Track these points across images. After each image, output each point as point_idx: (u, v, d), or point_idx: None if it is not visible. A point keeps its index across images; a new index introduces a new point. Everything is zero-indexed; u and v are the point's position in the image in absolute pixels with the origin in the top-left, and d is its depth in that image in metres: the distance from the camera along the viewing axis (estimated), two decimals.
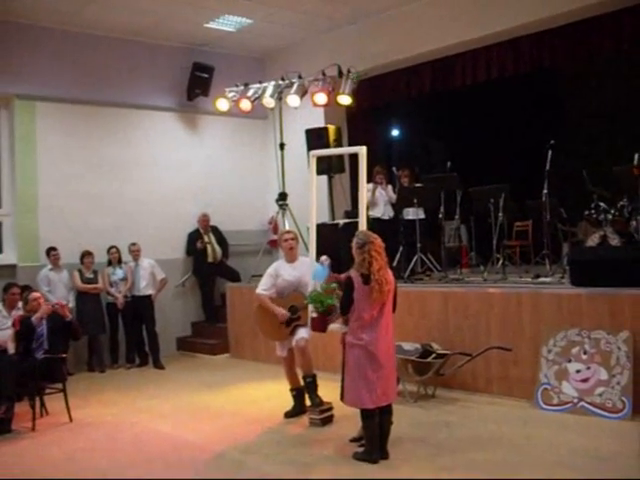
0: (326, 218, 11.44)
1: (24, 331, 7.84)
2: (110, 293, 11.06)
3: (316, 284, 6.87)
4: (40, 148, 11.12)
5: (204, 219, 12.43)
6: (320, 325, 6.56)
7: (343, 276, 6.36)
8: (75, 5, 10.56)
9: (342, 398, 6.20)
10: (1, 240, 11.08)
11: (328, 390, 7.38)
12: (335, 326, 6.42)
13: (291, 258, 7.53)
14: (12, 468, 6.27)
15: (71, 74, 11.38)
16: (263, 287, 7.54)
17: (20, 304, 8.96)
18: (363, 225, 7.02)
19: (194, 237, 12.36)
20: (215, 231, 12.52)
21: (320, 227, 9.99)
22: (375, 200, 11.00)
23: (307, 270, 7.11)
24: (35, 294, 8.25)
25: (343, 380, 6.18)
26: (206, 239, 12.32)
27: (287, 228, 10.77)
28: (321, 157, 10.13)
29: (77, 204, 11.39)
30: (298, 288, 7.38)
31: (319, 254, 7.30)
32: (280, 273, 7.53)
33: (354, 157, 7.73)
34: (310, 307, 6.69)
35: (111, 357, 11.17)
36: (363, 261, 5.83)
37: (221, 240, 12.52)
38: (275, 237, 12.15)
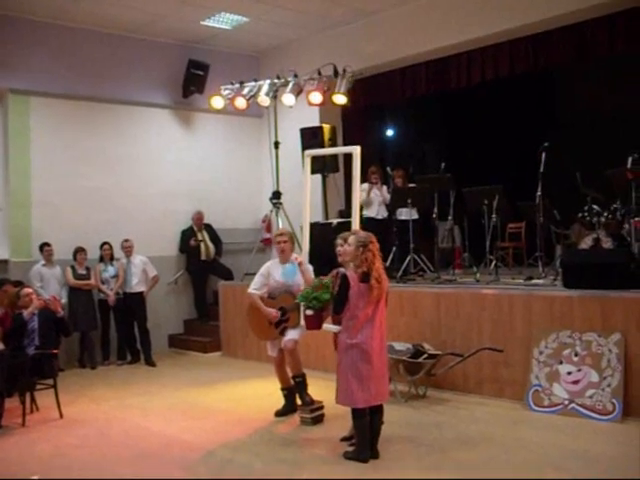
0: (320, 217, 11.44)
1: (16, 327, 7.81)
2: (102, 290, 11.04)
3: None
4: (34, 143, 11.11)
5: (198, 216, 12.42)
6: (315, 322, 6.52)
7: (334, 274, 6.37)
8: (70, 0, 10.53)
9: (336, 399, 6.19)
10: None
11: (319, 389, 7.40)
12: (329, 326, 6.40)
13: (283, 259, 7.52)
14: (1, 463, 6.25)
15: (66, 69, 11.37)
16: (254, 286, 7.54)
17: None
18: (356, 225, 7.02)
19: (188, 234, 12.35)
20: (209, 229, 12.51)
21: (313, 226, 10.02)
22: (370, 200, 11.00)
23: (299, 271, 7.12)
24: (27, 290, 8.23)
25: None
26: (200, 237, 12.33)
27: (281, 227, 10.76)
28: (315, 156, 10.14)
29: (70, 200, 11.38)
30: (289, 289, 7.38)
31: (312, 253, 7.32)
32: (272, 273, 7.53)
33: (348, 156, 7.74)
34: (302, 305, 6.67)
35: (102, 353, 11.15)
36: (365, 260, 5.84)
37: (215, 238, 12.51)
38: (268, 236, 12.19)
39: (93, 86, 11.66)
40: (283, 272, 7.33)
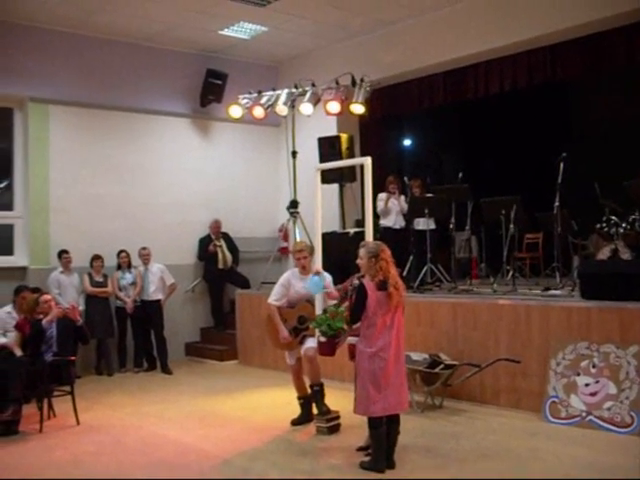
0: (337, 227, 11.45)
1: (34, 334, 7.85)
2: (119, 297, 11.09)
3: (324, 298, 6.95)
4: (53, 151, 11.18)
5: (216, 225, 12.45)
6: (328, 349, 6.55)
7: (348, 283, 6.38)
8: (88, 11, 10.63)
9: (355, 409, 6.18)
10: (12, 242, 11.12)
11: (336, 399, 7.39)
12: (349, 338, 6.40)
13: (304, 273, 7.51)
14: (18, 469, 6.27)
15: (85, 78, 11.44)
16: (274, 297, 7.54)
17: (9, 307, 9.03)
18: (370, 235, 7.03)
19: (206, 242, 12.37)
20: (226, 237, 12.52)
21: (331, 236, 10.07)
22: (388, 209, 10.99)
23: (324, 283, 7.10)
24: (46, 296, 8.25)
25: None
26: (218, 244, 12.33)
27: (298, 240, 10.75)
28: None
29: (89, 207, 11.44)
30: (309, 299, 7.38)
31: (329, 263, 7.32)
32: (292, 284, 7.52)
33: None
34: (317, 331, 6.67)
35: (119, 361, 11.19)
36: (380, 269, 5.86)
37: (232, 247, 12.52)
38: (285, 245, 12.20)
39: (112, 95, 11.74)
40: (309, 284, 7.09)
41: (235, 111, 11.77)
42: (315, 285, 6.91)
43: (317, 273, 6.98)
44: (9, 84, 10.83)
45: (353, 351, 6.16)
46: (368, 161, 7.19)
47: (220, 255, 12.27)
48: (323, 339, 6.50)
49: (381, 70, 11.41)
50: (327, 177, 10.54)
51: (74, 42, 11.37)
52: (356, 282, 6.21)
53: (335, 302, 6.80)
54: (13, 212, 11.16)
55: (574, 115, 14.87)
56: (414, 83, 11.99)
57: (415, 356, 8.01)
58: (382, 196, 10.92)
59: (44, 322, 7.87)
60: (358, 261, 6.06)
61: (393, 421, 5.97)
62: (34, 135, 11.10)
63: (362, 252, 6.00)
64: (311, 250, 7.64)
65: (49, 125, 11.20)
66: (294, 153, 11.84)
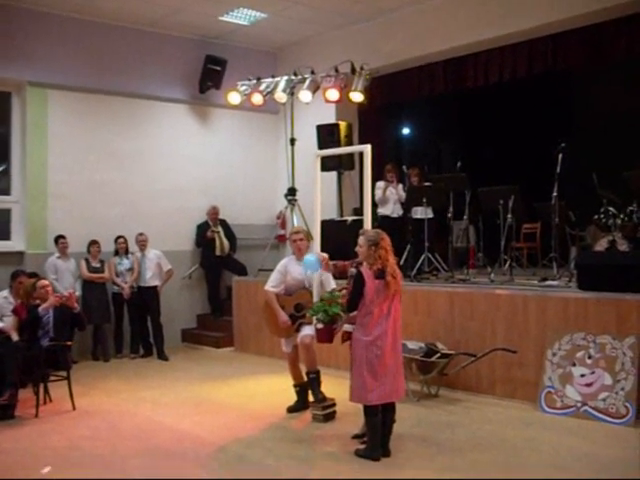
0: (335, 214, 11.44)
1: (31, 320, 7.84)
2: (116, 283, 11.09)
3: (322, 282, 6.93)
4: (51, 136, 11.15)
5: (214, 211, 12.43)
6: (326, 336, 6.56)
7: (347, 265, 6.38)
8: None
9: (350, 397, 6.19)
10: (10, 227, 11.11)
11: (331, 386, 7.41)
12: (344, 326, 6.40)
13: (300, 257, 7.51)
14: (13, 454, 6.29)
15: (84, 62, 11.41)
16: (272, 283, 7.56)
17: (6, 291, 9.02)
18: (368, 223, 7.01)
19: (203, 229, 12.36)
20: (224, 224, 12.51)
21: (328, 223, 10.07)
22: (386, 198, 10.97)
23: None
24: (44, 281, 8.23)
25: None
26: (215, 230, 12.32)
27: (296, 225, 10.77)
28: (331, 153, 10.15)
29: (87, 193, 11.42)
30: (306, 286, 7.39)
31: (327, 250, 7.30)
32: (289, 270, 7.54)
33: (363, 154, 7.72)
34: (314, 319, 6.69)
35: (115, 347, 11.20)
36: (378, 257, 5.87)
37: (229, 233, 12.51)
38: (283, 232, 12.19)
39: (110, 80, 11.69)
40: (304, 262, 6.99)
41: (234, 98, 11.75)
42: (310, 263, 6.84)
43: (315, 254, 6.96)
44: (7, 68, 10.78)
45: (345, 335, 6.18)
46: (368, 149, 7.18)
47: (217, 242, 12.26)
48: (320, 326, 6.51)
49: (381, 58, 11.38)
50: (326, 165, 10.53)
51: (73, 26, 11.32)
52: (353, 270, 6.21)
53: (334, 288, 6.82)
54: (10, 197, 11.12)
55: (573, 106, 14.83)
56: (414, 71, 11.96)
57: (411, 345, 8.01)
58: (380, 184, 10.91)
59: (40, 309, 7.86)
60: (357, 248, 6.06)
61: (389, 409, 5.99)
62: (32, 120, 11.05)
63: (362, 240, 6.00)
64: (308, 236, 7.64)
65: (47, 110, 11.16)
66: (292, 140, 11.83)
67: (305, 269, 7.12)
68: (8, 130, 11.18)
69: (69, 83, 11.30)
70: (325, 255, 6.85)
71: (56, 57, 11.15)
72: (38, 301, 7.97)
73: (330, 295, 6.60)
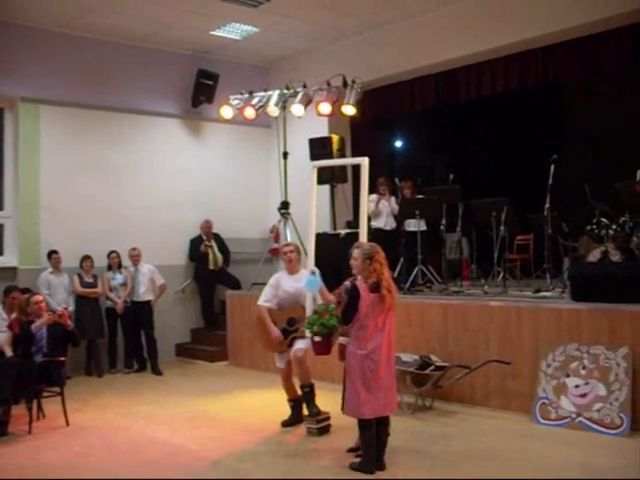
0: (328, 228, 11.45)
1: (23, 336, 7.82)
2: (110, 298, 11.06)
3: (315, 297, 6.92)
4: (43, 151, 11.15)
5: (207, 225, 12.43)
6: (324, 348, 6.53)
7: (343, 288, 6.36)
8: (80, 10, 10.60)
9: (343, 409, 6.17)
10: (2, 242, 11.09)
11: (326, 400, 7.37)
12: (339, 338, 6.39)
13: (291, 270, 7.52)
14: (7, 470, 6.24)
15: (76, 78, 11.42)
16: (264, 298, 7.55)
17: None
18: (364, 236, 7.02)
19: (197, 243, 12.36)
20: (217, 238, 12.50)
21: (321, 237, 10.04)
22: (378, 211, 11.01)
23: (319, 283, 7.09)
24: (38, 297, 8.18)
25: (344, 391, 6.16)
26: (208, 244, 12.31)
27: (288, 238, 10.78)
28: (324, 167, 10.16)
29: (79, 208, 11.40)
30: (298, 300, 7.37)
31: (320, 264, 7.31)
32: (281, 284, 7.53)
33: (357, 167, 7.76)
34: (307, 332, 6.67)
35: (109, 362, 11.16)
36: (374, 271, 5.86)
37: (223, 247, 12.51)
38: (276, 246, 12.18)
39: (103, 95, 11.71)
40: (305, 282, 7.02)
41: (226, 112, 11.76)
42: (310, 283, 6.86)
43: (312, 273, 6.98)
44: (0, 83, 10.78)
45: (343, 351, 6.16)
46: (365, 161, 7.16)
47: (211, 256, 12.25)
48: (318, 339, 6.48)
49: (372, 72, 11.41)
50: (318, 178, 10.44)
51: (65, 42, 11.33)
52: (348, 283, 6.20)
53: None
54: (3, 212, 11.10)
55: (565, 117, 14.92)
56: (405, 85, 12.01)
57: (405, 357, 8.01)
58: (373, 197, 10.92)
59: (33, 327, 7.82)
60: (352, 262, 6.05)
61: (382, 423, 5.98)
62: (25, 135, 11.06)
63: (357, 253, 5.99)
64: (297, 248, 7.65)
65: (40, 125, 11.17)
66: (285, 154, 11.85)
67: (307, 289, 7.07)
68: (1, 145, 11.18)
69: (61, 98, 11.31)
70: (315, 269, 6.90)
71: (48, 72, 11.16)
72: (32, 317, 7.94)
73: (324, 307, 6.59)
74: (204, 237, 12.36)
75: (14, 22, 10.78)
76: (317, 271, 6.98)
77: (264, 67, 13.63)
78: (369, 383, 5.84)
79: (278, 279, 7.60)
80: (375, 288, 5.86)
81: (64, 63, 11.32)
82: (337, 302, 6.50)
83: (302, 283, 7.20)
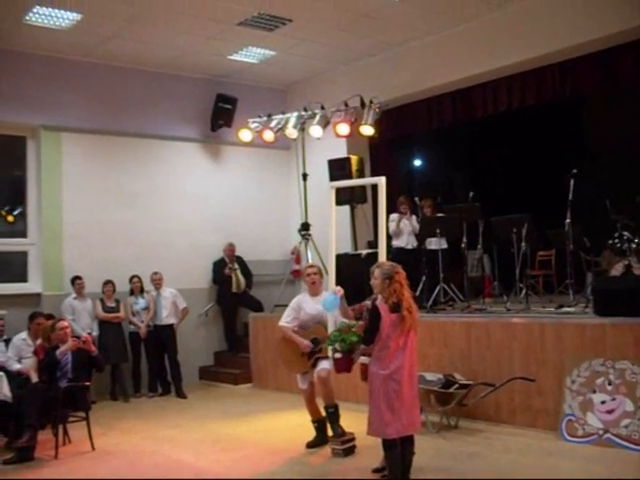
0: (349, 248, 11.45)
1: (48, 362, 7.87)
2: (133, 322, 11.13)
3: (335, 319, 6.89)
4: (65, 178, 11.30)
5: (230, 248, 12.48)
6: (345, 365, 6.49)
7: (363, 305, 6.36)
8: (99, 39, 10.77)
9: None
10: (27, 269, 11.21)
11: (350, 420, 7.35)
12: (361, 358, 6.38)
13: (314, 292, 7.52)
14: None
15: (96, 105, 11.58)
16: (286, 319, 7.55)
17: (24, 333, 9.03)
18: (383, 255, 7.01)
19: (220, 266, 12.41)
20: (240, 261, 12.55)
21: (343, 257, 10.07)
22: (399, 230, 10.98)
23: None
24: (63, 323, 8.23)
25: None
26: (233, 268, 12.35)
27: (310, 260, 10.79)
28: (343, 187, 10.18)
29: (101, 233, 11.51)
30: (320, 321, 7.37)
31: (342, 285, 7.29)
32: (303, 306, 7.53)
33: (376, 187, 7.75)
34: (329, 349, 6.65)
35: (134, 386, 11.20)
36: (393, 292, 5.83)
37: (245, 270, 12.54)
38: (298, 267, 12.20)
39: (123, 121, 11.86)
40: (323, 302, 6.81)
41: (245, 135, 11.84)
42: (329, 303, 6.79)
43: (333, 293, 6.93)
44: (22, 113, 10.96)
45: (365, 371, 6.15)
46: (382, 181, 7.20)
47: (234, 279, 12.29)
48: (339, 355, 6.45)
49: (389, 92, 11.46)
50: (338, 198, 10.51)
51: (85, 70, 11.51)
52: (368, 303, 6.19)
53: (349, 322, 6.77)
54: (27, 239, 11.24)
55: (584, 131, 14.86)
56: (422, 104, 12.04)
57: (429, 376, 7.98)
58: (394, 217, 10.91)
59: (58, 353, 7.87)
60: (372, 281, 6.05)
61: (407, 442, 5.94)
62: (47, 163, 11.21)
63: (377, 273, 5.98)
64: (320, 270, 7.64)
65: (62, 153, 11.32)
66: (304, 175, 11.88)
67: (325, 310, 7.01)
68: (24, 173, 11.35)
69: (82, 126, 11.46)
70: (339, 288, 6.83)
71: (69, 101, 11.32)
72: (56, 342, 7.99)
73: (346, 324, 6.56)
74: (227, 260, 12.40)
75: (34, 52, 10.96)
76: (341, 291, 6.87)
77: (281, 90, 13.72)
78: (393, 403, 5.81)
79: (300, 301, 7.60)
80: (396, 308, 5.84)
81: (84, 91, 11.49)
82: (356, 318, 6.49)
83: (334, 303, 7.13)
